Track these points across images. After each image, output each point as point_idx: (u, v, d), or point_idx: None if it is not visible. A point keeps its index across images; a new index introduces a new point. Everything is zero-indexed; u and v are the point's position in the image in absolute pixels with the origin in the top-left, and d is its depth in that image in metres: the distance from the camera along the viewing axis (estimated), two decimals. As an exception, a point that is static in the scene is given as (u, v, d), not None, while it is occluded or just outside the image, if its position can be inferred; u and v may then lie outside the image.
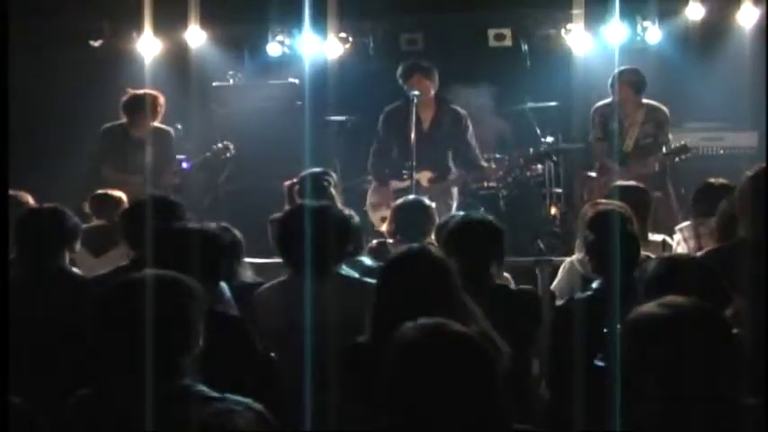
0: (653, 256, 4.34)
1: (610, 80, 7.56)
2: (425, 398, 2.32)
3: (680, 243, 5.39)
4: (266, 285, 4.11)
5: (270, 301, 3.96)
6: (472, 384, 2.33)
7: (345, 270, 4.11)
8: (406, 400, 2.34)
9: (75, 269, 4.43)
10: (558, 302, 4.47)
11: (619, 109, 7.56)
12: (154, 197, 4.72)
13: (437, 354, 2.34)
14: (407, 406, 2.34)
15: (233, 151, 7.85)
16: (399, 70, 7.60)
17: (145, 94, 7.42)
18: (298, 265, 3.92)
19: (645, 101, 7.56)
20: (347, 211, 4.61)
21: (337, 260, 3.97)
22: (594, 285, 4.01)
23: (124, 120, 7.50)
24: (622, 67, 7.58)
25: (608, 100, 7.69)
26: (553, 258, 6.38)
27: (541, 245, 8.19)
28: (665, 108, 7.56)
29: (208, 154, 7.85)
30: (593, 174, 7.76)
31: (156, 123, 7.53)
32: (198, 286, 2.68)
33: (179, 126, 8.57)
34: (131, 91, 7.51)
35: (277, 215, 4.77)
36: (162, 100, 7.46)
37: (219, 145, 7.82)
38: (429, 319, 2.44)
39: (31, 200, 5.40)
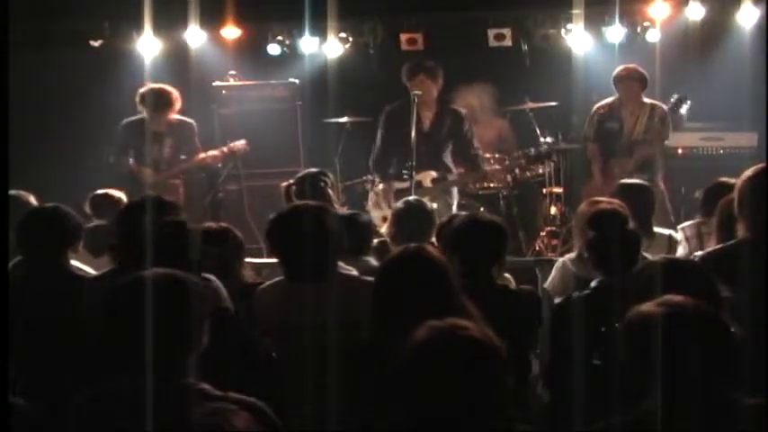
0: (649, 256, 4.34)
1: (613, 77, 7.60)
2: (436, 399, 2.31)
3: (681, 242, 5.40)
4: (265, 285, 4.11)
5: (266, 300, 3.97)
6: (483, 386, 2.33)
7: (345, 268, 4.11)
8: (416, 401, 2.34)
9: (76, 269, 4.43)
10: (557, 300, 4.47)
11: (623, 106, 7.60)
12: (149, 197, 4.72)
13: (450, 355, 2.33)
14: (417, 406, 2.34)
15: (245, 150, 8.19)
16: (404, 69, 7.59)
17: (163, 89, 7.69)
18: (290, 268, 3.93)
19: (646, 99, 7.60)
20: (352, 210, 4.58)
21: (326, 260, 3.89)
22: (593, 284, 4.02)
23: (144, 114, 7.70)
24: (627, 65, 7.63)
25: (608, 100, 7.72)
26: (553, 258, 6.38)
27: (541, 245, 8.20)
28: (664, 106, 7.61)
29: (225, 149, 8.13)
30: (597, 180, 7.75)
31: (177, 116, 7.82)
32: (201, 285, 2.68)
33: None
34: (150, 86, 7.73)
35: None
36: (177, 94, 7.74)
37: (238, 143, 8.15)
38: (442, 320, 2.43)
39: (33, 200, 5.40)
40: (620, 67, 7.66)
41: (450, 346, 2.35)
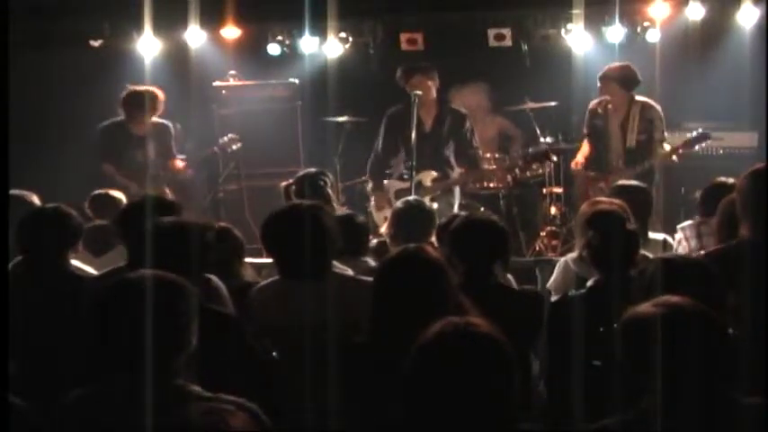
0: (650, 255, 4.34)
1: (598, 77, 7.57)
2: (447, 397, 2.31)
3: (681, 242, 5.40)
4: (260, 284, 4.11)
5: (262, 300, 3.96)
6: (494, 384, 2.33)
7: (340, 268, 4.11)
8: (428, 396, 2.34)
9: (76, 269, 4.43)
10: (554, 298, 4.47)
11: (609, 103, 7.56)
12: (150, 197, 4.72)
13: (461, 354, 2.33)
14: (428, 405, 2.34)
15: (239, 144, 7.99)
16: (399, 73, 7.57)
17: (145, 91, 7.52)
18: (284, 267, 3.93)
19: (638, 98, 7.54)
20: (349, 211, 4.58)
21: (320, 259, 3.89)
22: (589, 283, 4.02)
23: (122, 117, 7.56)
24: (610, 64, 7.58)
25: (601, 98, 7.70)
26: (553, 258, 6.38)
27: (541, 245, 8.20)
28: (656, 105, 7.51)
29: (215, 148, 8.00)
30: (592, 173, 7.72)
31: (155, 119, 7.62)
32: (192, 287, 2.68)
33: (178, 126, 8.58)
34: (131, 87, 7.59)
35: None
36: (161, 96, 7.55)
37: (225, 138, 7.96)
38: (455, 318, 2.43)
39: (36, 199, 5.40)
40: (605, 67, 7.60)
41: (465, 342, 2.34)
